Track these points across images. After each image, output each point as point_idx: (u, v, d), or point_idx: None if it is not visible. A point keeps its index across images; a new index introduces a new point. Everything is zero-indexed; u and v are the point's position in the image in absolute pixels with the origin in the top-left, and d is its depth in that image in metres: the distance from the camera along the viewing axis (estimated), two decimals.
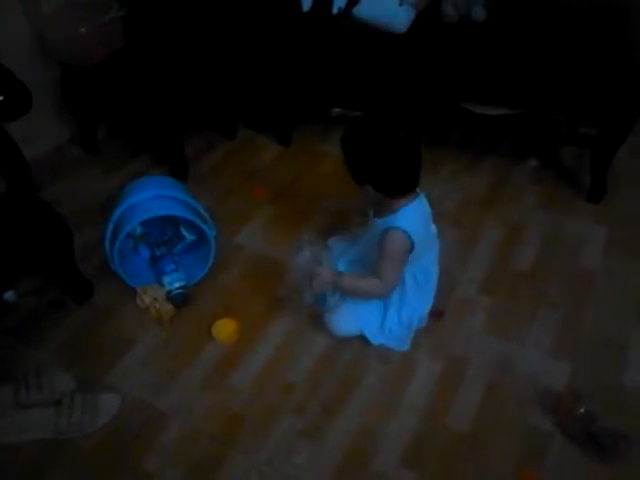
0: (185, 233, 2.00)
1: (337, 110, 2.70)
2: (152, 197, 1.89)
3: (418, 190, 1.64)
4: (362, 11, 2.13)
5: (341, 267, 1.81)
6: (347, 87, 2.45)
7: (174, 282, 1.93)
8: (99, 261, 2.01)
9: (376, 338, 1.78)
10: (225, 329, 1.84)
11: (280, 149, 2.62)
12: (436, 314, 1.87)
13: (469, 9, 2.13)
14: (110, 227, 1.87)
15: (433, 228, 1.80)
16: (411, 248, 1.62)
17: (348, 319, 1.77)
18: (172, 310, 1.90)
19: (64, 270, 1.83)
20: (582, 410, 1.53)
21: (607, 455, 1.49)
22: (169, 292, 1.91)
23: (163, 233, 2.05)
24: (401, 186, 1.58)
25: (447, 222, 2.21)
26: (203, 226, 1.89)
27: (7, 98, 1.48)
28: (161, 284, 1.94)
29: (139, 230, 2.03)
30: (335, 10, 2.20)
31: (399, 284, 1.73)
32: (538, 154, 2.49)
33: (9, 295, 1.97)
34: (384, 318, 1.78)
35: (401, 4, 2.07)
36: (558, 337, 1.81)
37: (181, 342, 1.84)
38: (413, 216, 1.61)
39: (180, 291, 1.92)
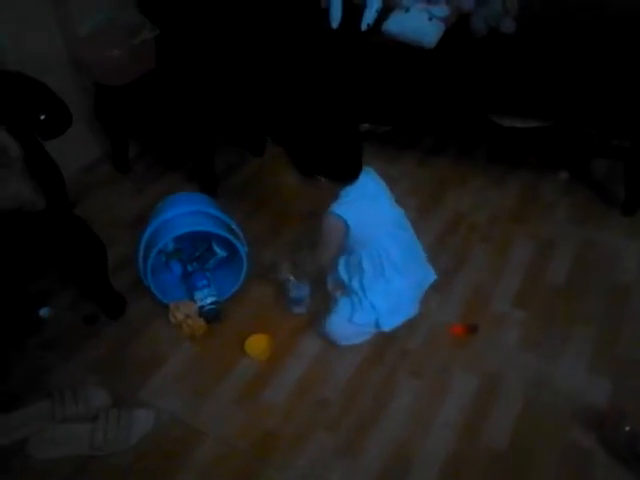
0: (217, 249, 2.01)
1: (366, 126, 2.72)
2: (184, 213, 1.91)
3: (364, 176, 1.69)
4: (391, 27, 2.15)
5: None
6: (376, 103, 2.46)
7: (206, 297, 1.93)
8: (132, 277, 2.04)
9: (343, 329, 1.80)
10: (258, 345, 1.84)
11: None
12: (470, 329, 1.85)
13: (498, 22, 2.13)
14: (143, 243, 1.89)
15: (389, 208, 1.77)
16: (346, 230, 1.66)
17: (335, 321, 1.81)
18: (204, 326, 1.90)
19: (98, 285, 1.85)
20: (627, 428, 1.49)
21: None
22: (201, 308, 1.92)
23: (195, 249, 2.06)
24: (347, 170, 1.66)
25: (477, 237, 2.20)
26: (235, 242, 1.90)
27: (48, 116, 1.51)
28: (193, 300, 1.95)
29: (171, 246, 2.05)
30: (364, 26, 2.22)
31: (330, 264, 1.84)
32: (568, 167, 2.46)
33: (44, 311, 2.00)
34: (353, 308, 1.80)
35: (430, 19, 2.07)
36: (595, 353, 1.77)
37: (214, 358, 1.85)
38: (351, 199, 1.66)
39: (212, 307, 1.93)
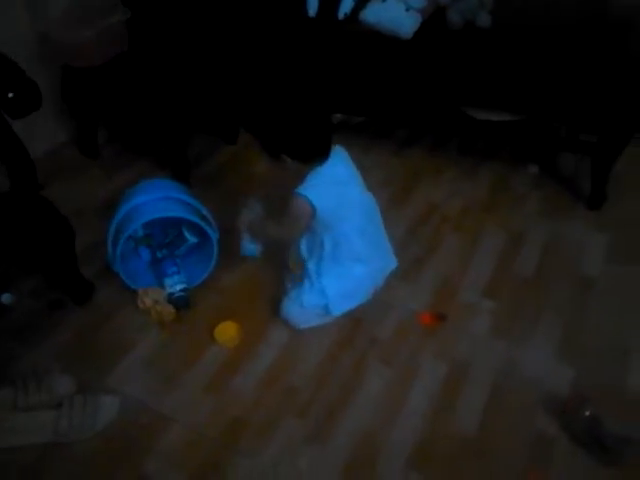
0: (187, 235, 1.99)
1: (339, 116, 2.72)
2: (155, 199, 1.88)
3: (334, 157, 1.68)
4: (368, 16, 2.14)
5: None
6: (350, 93, 2.46)
7: (176, 284, 1.91)
8: (99, 263, 2.00)
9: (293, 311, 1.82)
10: (227, 332, 1.82)
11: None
12: (438, 317, 1.86)
13: (475, 15, 2.14)
14: (112, 228, 1.85)
15: (358, 193, 1.76)
16: (313, 212, 1.66)
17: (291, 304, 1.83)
18: (173, 313, 1.88)
19: (65, 270, 1.81)
20: (587, 413, 1.52)
21: (612, 458, 1.48)
22: (171, 294, 1.90)
23: (165, 235, 2.04)
24: (313, 150, 1.64)
25: (448, 227, 2.22)
26: (206, 228, 1.88)
27: (17, 95, 1.47)
28: (162, 286, 1.92)
29: (141, 232, 2.02)
30: (341, 15, 2.21)
31: (292, 240, 1.85)
32: (538, 161, 2.50)
33: (6, 297, 1.94)
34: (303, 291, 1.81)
35: (407, 10, 2.08)
36: (561, 342, 1.80)
37: (182, 345, 1.82)
38: (318, 181, 1.65)
39: (182, 294, 1.91)
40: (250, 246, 1.95)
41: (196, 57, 2.42)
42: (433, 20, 2.20)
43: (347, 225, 1.73)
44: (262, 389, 1.70)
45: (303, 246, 1.82)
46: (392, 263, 1.87)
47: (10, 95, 1.46)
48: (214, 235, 1.90)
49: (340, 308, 1.80)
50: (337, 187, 1.68)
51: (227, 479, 1.51)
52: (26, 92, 1.48)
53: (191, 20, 2.35)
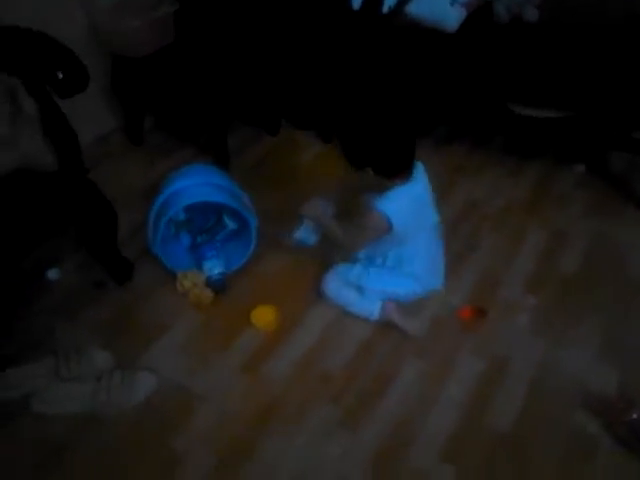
0: (227, 221, 2.01)
1: None
2: (197, 184, 1.90)
3: (415, 174, 1.67)
4: (413, 9, 2.13)
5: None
6: (392, 87, 2.44)
7: (214, 268, 1.93)
8: (141, 245, 2.03)
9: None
10: (265, 316, 1.83)
11: (322, 147, 2.62)
12: (479, 313, 1.83)
13: (521, 10, 2.11)
14: (154, 211, 1.88)
15: (431, 214, 1.77)
16: (388, 230, 1.65)
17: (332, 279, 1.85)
18: (211, 296, 1.89)
19: (106, 250, 1.85)
20: (635, 416, 1.47)
21: None
22: (209, 277, 1.91)
23: (206, 220, 2.06)
24: (397, 165, 1.62)
25: (488, 225, 2.18)
26: (246, 214, 1.89)
27: (66, 75, 1.50)
28: (201, 270, 1.94)
29: (182, 216, 2.05)
30: (385, 9, 2.21)
31: (361, 250, 1.83)
32: (585, 160, 2.44)
33: (53, 273, 2.00)
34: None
35: (452, 4, 2.06)
36: (605, 342, 1.75)
37: (219, 327, 1.84)
38: (400, 200, 1.64)
39: (219, 277, 1.92)
40: (308, 235, 1.89)
41: (240, 48, 2.45)
42: (479, 14, 2.17)
43: (416, 246, 1.74)
44: (297, 374, 1.70)
45: (361, 254, 1.85)
46: (440, 283, 1.86)
47: (60, 75, 1.50)
48: (253, 221, 1.91)
49: (375, 297, 1.80)
50: (415, 206, 1.67)
51: (256, 461, 1.51)
52: (74, 73, 1.51)
53: (237, 12, 2.38)
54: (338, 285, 1.83)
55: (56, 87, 1.58)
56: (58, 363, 1.67)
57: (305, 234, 1.88)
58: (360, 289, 1.82)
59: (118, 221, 1.84)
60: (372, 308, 1.81)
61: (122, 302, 1.92)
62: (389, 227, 1.63)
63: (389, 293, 1.81)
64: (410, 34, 2.23)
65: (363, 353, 1.75)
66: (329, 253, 1.94)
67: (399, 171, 1.62)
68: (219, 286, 1.92)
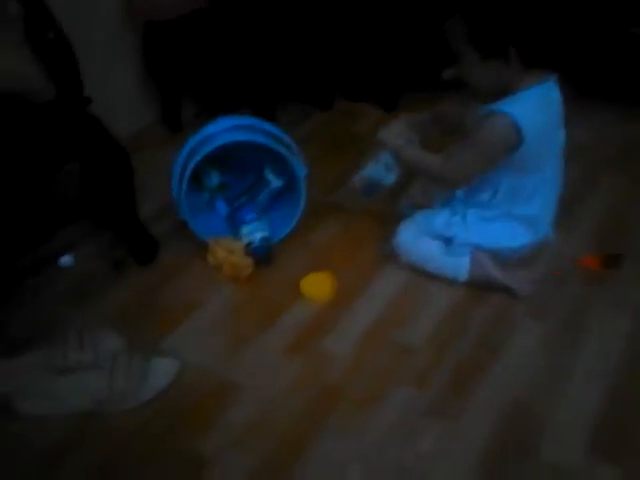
0: (270, 177, 1.61)
1: (451, 71, 2.29)
2: (231, 127, 1.54)
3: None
4: None
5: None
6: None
7: (255, 232, 1.52)
8: (169, 223, 1.68)
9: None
10: (318, 284, 1.41)
11: (382, 116, 2.22)
12: (610, 260, 1.34)
13: None
14: (179, 162, 1.54)
15: (562, 134, 1.28)
16: (516, 145, 1.16)
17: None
18: (251, 266, 1.49)
19: (123, 210, 1.50)
20: None
21: None
22: (249, 244, 1.51)
23: (245, 182, 1.68)
24: (548, 45, 1.16)
25: (606, 166, 1.69)
26: (292, 161, 1.49)
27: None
28: (239, 237, 1.55)
29: (216, 180, 1.68)
30: None
31: (470, 182, 1.30)
32: None
33: (65, 260, 1.66)
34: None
35: None
36: None
37: (261, 303, 1.42)
38: (532, 102, 1.17)
39: (263, 243, 1.52)
40: (382, 173, 1.40)
41: (286, 17, 2.15)
42: None
43: (542, 175, 1.26)
44: (363, 351, 1.25)
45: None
46: (551, 229, 1.37)
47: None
48: (302, 171, 1.52)
49: (466, 248, 1.33)
50: (549, 115, 1.22)
51: (312, 464, 1.05)
52: None
53: None
54: (415, 235, 1.38)
55: None
56: (53, 352, 1.29)
57: (378, 172, 1.40)
58: (448, 241, 1.36)
59: (145, 196, 1.52)
60: (460, 264, 1.34)
61: (143, 283, 1.53)
62: (518, 139, 1.16)
63: (490, 248, 1.33)
64: None
65: (454, 321, 1.28)
66: (409, 200, 1.49)
67: (547, 56, 1.17)
68: (262, 254, 1.51)
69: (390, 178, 1.39)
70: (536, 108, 1.17)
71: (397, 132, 1.37)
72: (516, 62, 1.15)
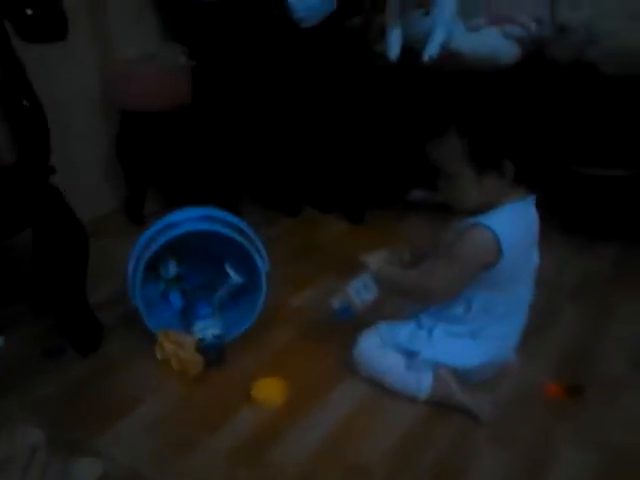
0: (231, 272, 1.55)
1: (417, 194, 2.36)
2: (193, 217, 1.50)
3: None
4: (463, 46, 1.88)
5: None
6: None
7: (208, 328, 1.44)
8: (118, 313, 1.59)
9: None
10: (270, 389, 1.31)
11: (348, 227, 2.24)
12: (572, 391, 1.30)
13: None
14: (136, 251, 1.48)
15: (536, 256, 1.29)
16: (496, 260, 1.15)
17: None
18: (201, 363, 1.39)
19: (70, 290, 1.40)
20: None
21: None
22: (201, 340, 1.42)
23: (203, 276, 1.62)
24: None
25: (568, 296, 1.71)
26: (254, 255, 1.45)
27: (36, 14, 1.18)
28: (192, 332, 1.46)
29: (173, 270, 1.61)
30: (426, 58, 1.96)
31: (451, 298, 1.25)
32: None
33: None
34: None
35: (506, 38, 1.81)
36: None
37: (208, 403, 1.31)
38: (514, 219, 1.18)
39: (216, 341, 1.43)
40: (362, 294, 1.34)
41: (261, 122, 2.21)
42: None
43: (516, 294, 1.27)
44: (314, 464, 1.14)
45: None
46: (513, 357, 1.34)
47: (29, 12, 1.18)
48: (264, 267, 1.48)
49: (429, 364, 1.27)
50: (527, 232, 1.23)
51: None
52: (48, 12, 1.20)
53: (258, 82, 2.16)
54: (377, 345, 1.32)
55: (21, 27, 1.22)
56: None
57: (357, 293, 1.33)
58: (411, 356, 1.30)
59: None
60: (422, 380, 1.28)
61: (80, 374, 1.42)
62: (498, 254, 1.15)
63: (455, 365, 1.27)
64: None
65: (413, 441, 1.19)
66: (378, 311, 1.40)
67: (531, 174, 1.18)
68: (214, 352, 1.42)
69: (368, 299, 1.34)
70: (516, 224, 1.18)
71: (380, 257, 1.35)
72: (510, 177, 1.16)
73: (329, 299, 1.38)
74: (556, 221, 2.12)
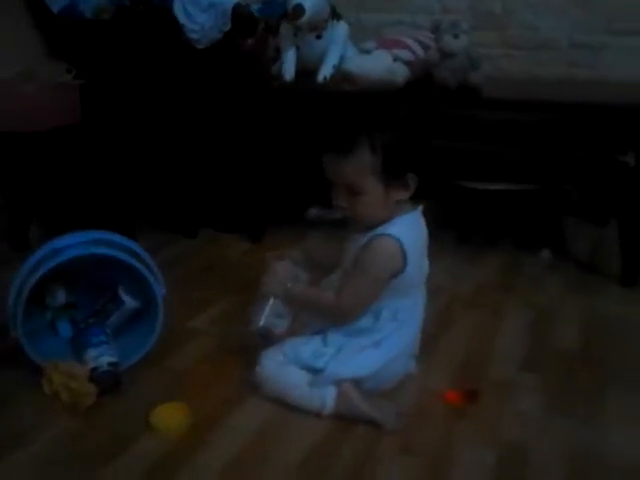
0: (124, 297, 1.49)
1: (315, 212, 2.39)
2: (83, 241, 1.42)
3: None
4: (354, 68, 1.95)
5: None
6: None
7: (102, 356, 1.36)
8: (2, 345, 1.46)
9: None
10: (170, 416, 1.25)
11: (248, 246, 2.22)
12: (469, 395, 1.35)
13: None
14: (22, 275, 1.38)
15: (427, 264, 1.36)
16: (402, 267, 1.21)
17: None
18: (94, 394, 1.31)
19: None
20: None
21: None
22: (95, 369, 1.34)
23: (97, 302, 1.53)
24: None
25: (463, 304, 1.79)
26: (149, 277, 1.40)
27: None
28: (83, 361, 1.37)
29: (62, 298, 1.52)
30: (321, 78, 2.01)
31: (363, 313, 1.27)
32: (550, 244, 2.17)
33: None
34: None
35: (395, 60, 1.90)
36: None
37: (103, 436, 1.23)
38: (409, 228, 1.24)
39: (110, 369, 1.35)
40: (275, 320, 1.35)
41: (153, 142, 2.15)
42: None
43: (415, 300, 1.32)
44: None
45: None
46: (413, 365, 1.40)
47: None
48: (160, 290, 1.42)
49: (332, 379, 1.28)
50: (421, 241, 1.30)
51: None
52: None
53: (149, 100, 2.11)
54: (280, 363, 1.31)
55: None
56: None
57: (270, 321, 1.33)
58: (315, 372, 1.29)
59: None
60: (324, 395, 1.27)
61: None
62: (403, 259, 1.20)
63: (358, 377, 1.28)
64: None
65: (320, 457, 1.18)
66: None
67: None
68: (108, 381, 1.34)
69: (283, 325, 1.35)
70: (411, 232, 1.23)
71: (282, 276, 1.32)
72: (413, 189, 1.21)
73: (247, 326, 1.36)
74: (451, 233, 2.24)
